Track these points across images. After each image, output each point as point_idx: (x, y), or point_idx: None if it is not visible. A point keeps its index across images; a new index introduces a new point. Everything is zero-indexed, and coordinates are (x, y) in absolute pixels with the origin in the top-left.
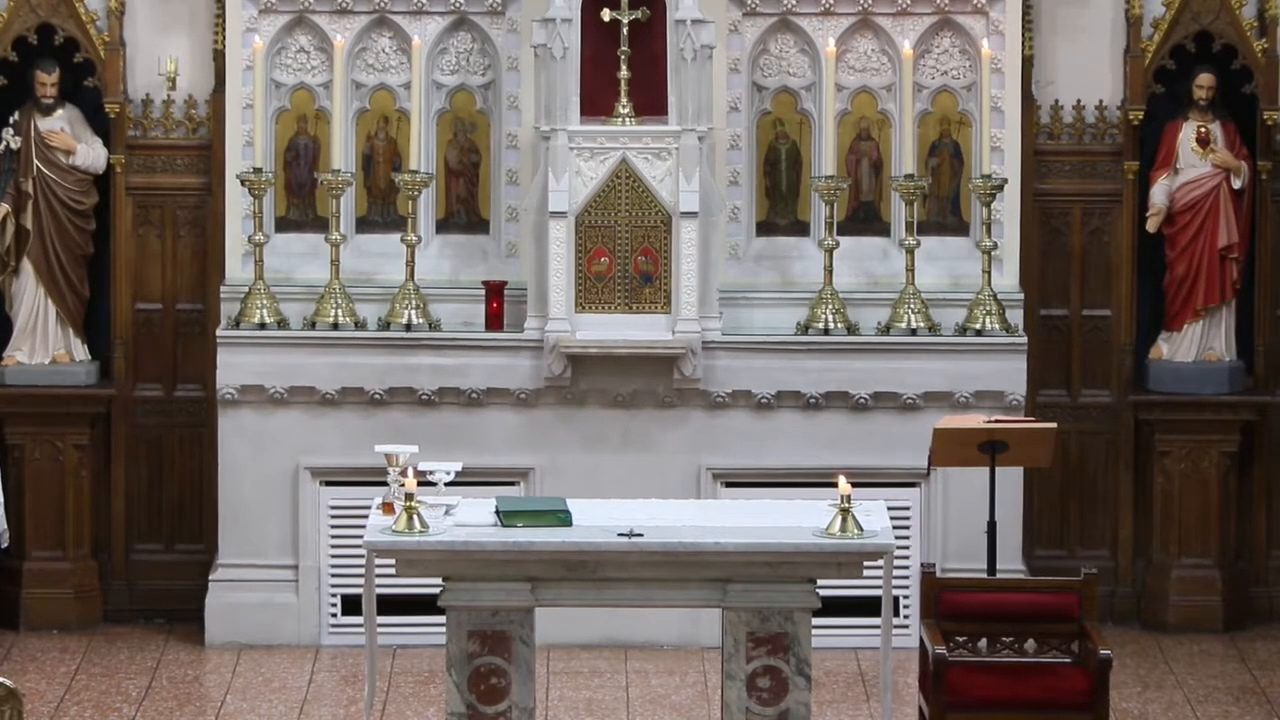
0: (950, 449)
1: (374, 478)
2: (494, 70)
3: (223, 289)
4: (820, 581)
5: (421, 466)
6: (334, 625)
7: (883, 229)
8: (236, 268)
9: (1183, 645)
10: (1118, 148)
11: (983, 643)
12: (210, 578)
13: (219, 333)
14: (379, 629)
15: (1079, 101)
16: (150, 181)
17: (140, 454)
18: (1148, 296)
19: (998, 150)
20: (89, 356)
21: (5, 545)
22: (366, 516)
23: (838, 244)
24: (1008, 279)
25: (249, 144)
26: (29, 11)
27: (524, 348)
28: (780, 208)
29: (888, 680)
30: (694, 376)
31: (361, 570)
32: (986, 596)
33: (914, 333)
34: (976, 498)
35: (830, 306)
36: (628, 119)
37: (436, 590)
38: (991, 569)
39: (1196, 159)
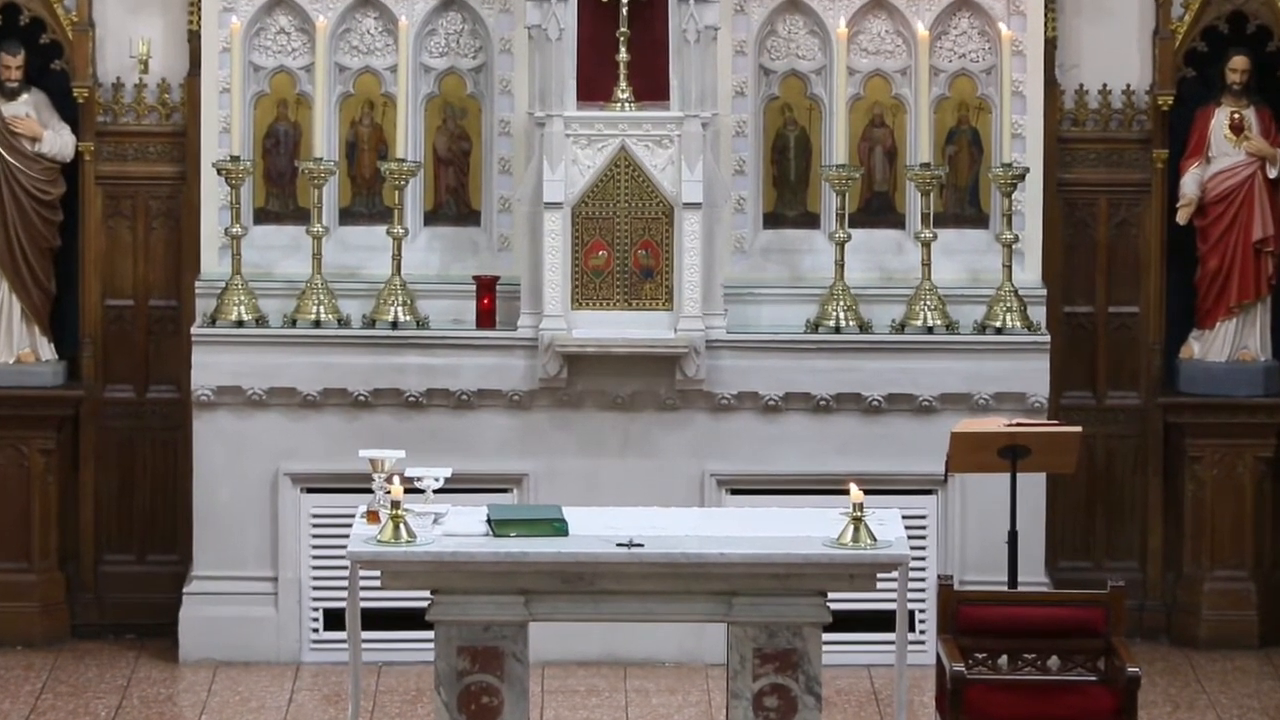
0: (969, 454)
1: (358, 484)
2: (485, 52)
3: (198, 284)
4: (831, 595)
5: (408, 472)
6: (315, 641)
7: (897, 221)
8: (213, 262)
9: (1215, 662)
10: (1146, 135)
11: (1003, 660)
12: (184, 590)
13: (194, 331)
14: (363, 645)
15: (1105, 86)
16: (121, 170)
17: (110, 459)
18: (1178, 292)
19: (1019, 138)
20: (55, 356)
21: None
22: (350, 525)
23: (849, 237)
24: (1029, 274)
25: (226, 130)
26: None
27: (517, 347)
28: (789, 198)
29: (902, 699)
30: (697, 377)
31: (345, 582)
32: (1007, 610)
33: (930, 331)
34: (996, 506)
35: (841, 303)
36: (627, 104)
37: (424, 604)
38: (1012, 581)
39: (1230, 147)
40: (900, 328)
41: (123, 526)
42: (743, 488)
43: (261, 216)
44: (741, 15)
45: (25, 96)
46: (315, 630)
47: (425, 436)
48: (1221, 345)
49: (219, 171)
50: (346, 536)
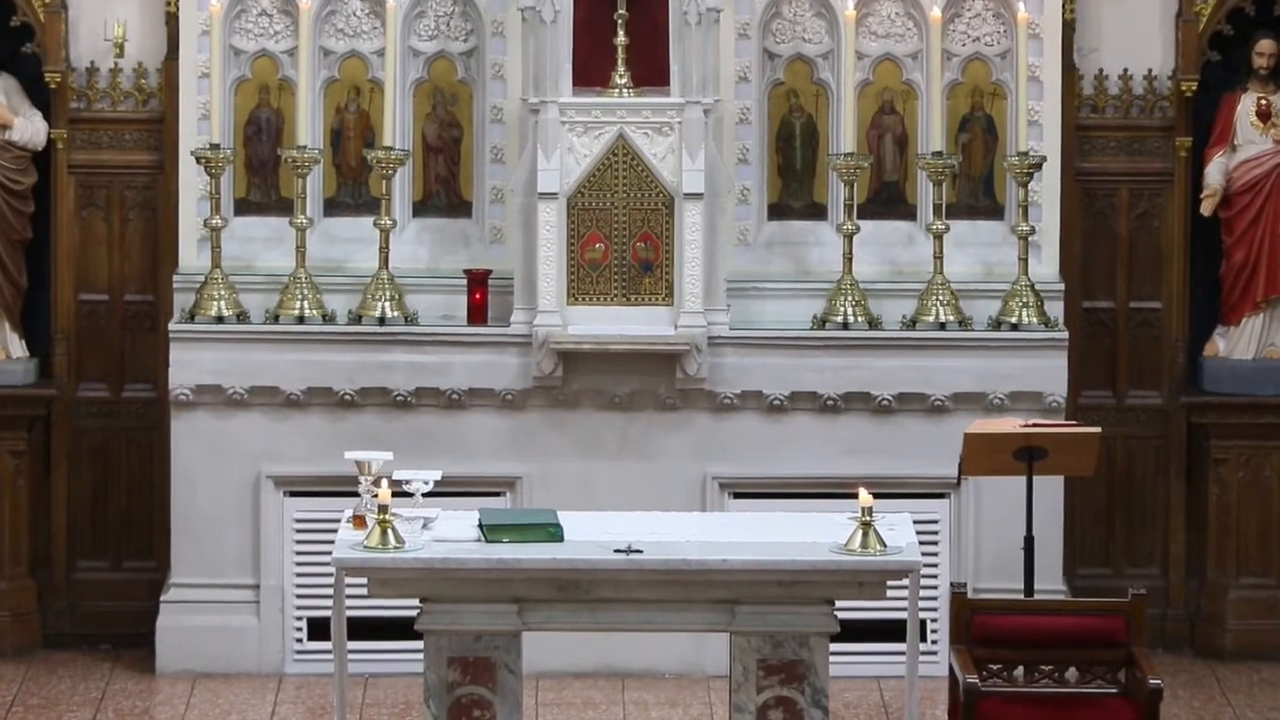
0: (983, 456)
1: (344, 488)
2: (477, 35)
3: (176, 278)
4: (839, 603)
5: (396, 475)
6: (299, 652)
7: (908, 212)
8: (191, 255)
9: (1241, 674)
10: (1169, 122)
11: (1019, 671)
12: (161, 598)
13: (172, 327)
14: (349, 656)
15: (1126, 70)
16: (95, 159)
17: (84, 461)
18: (1202, 287)
19: (1035, 125)
20: (27, 353)
21: None
22: (335, 531)
23: (858, 229)
24: (1047, 267)
25: (205, 117)
26: None
27: (510, 344)
28: (794, 189)
29: (914, 713)
30: (699, 376)
31: (329, 590)
32: (1023, 620)
33: (943, 327)
34: (1012, 510)
35: (850, 298)
36: (625, 90)
37: (413, 613)
38: (1029, 589)
39: (1256, 134)
40: (911, 324)
41: (97, 532)
42: (746, 491)
43: (242, 207)
44: None
45: None
46: (299, 640)
47: (414, 437)
48: (1248, 342)
49: (198, 160)
50: (331, 542)
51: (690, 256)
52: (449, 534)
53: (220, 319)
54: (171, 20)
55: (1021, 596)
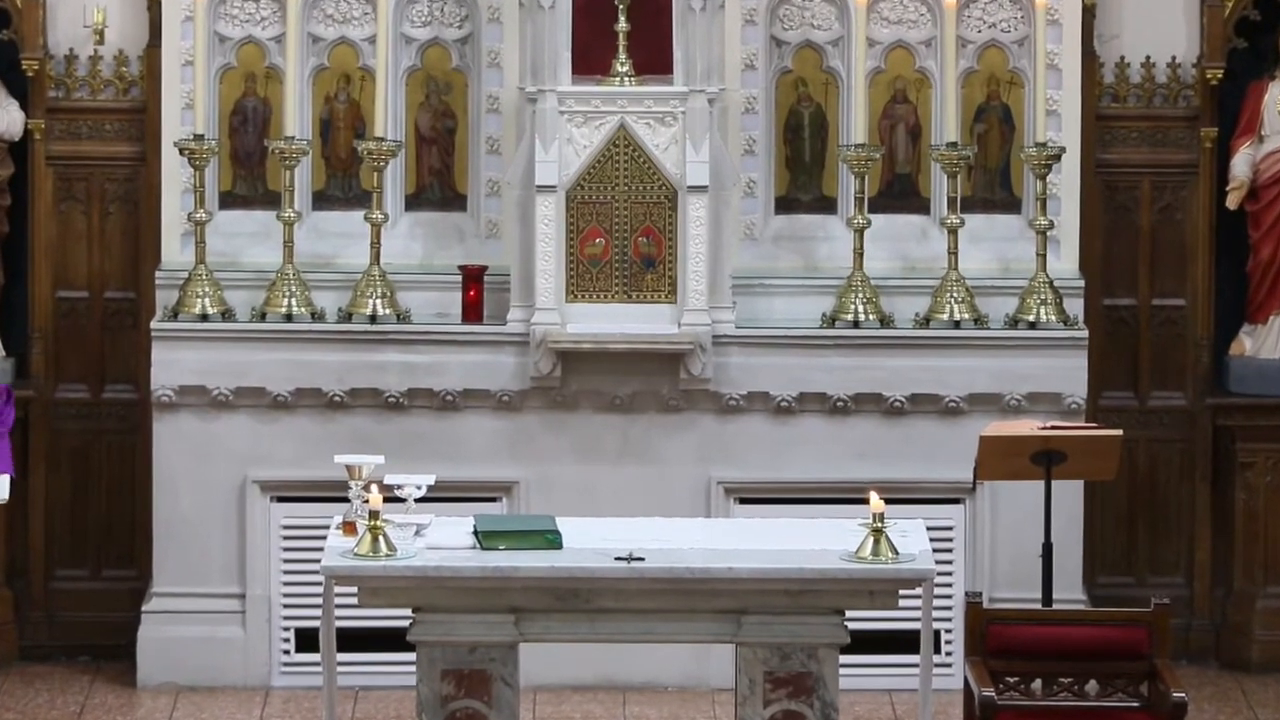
0: (999, 459)
1: (333, 493)
2: (472, 22)
3: (158, 275)
4: (849, 613)
5: (388, 480)
6: (286, 664)
7: (921, 206)
8: (174, 250)
9: (1269, 687)
10: (1193, 112)
11: (1037, 684)
12: (143, 608)
13: (154, 325)
14: (339, 668)
15: (1148, 58)
16: (74, 150)
17: (62, 465)
18: (1228, 283)
19: (1054, 115)
20: (3, 352)
21: None
22: (324, 538)
23: (869, 223)
24: (1066, 263)
25: (189, 107)
26: None
27: (507, 343)
28: (803, 181)
29: None
30: (703, 376)
31: (318, 600)
32: (1041, 630)
33: (957, 325)
34: (1029, 516)
35: (860, 295)
36: (627, 78)
37: (405, 623)
38: (1047, 599)
39: None
40: (924, 322)
41: (76, 539)
42: (752, 496)
43: (227, 201)
44: None
45: None
46: (286, 652)
47: (406, 440)
48: (1275, 341)
49: (181, 151)
50: (320, 550)
51: (694, 252)
52: (443, 541)
53: (204, 317)
54: (154, 6)
55: (1039, 606)
